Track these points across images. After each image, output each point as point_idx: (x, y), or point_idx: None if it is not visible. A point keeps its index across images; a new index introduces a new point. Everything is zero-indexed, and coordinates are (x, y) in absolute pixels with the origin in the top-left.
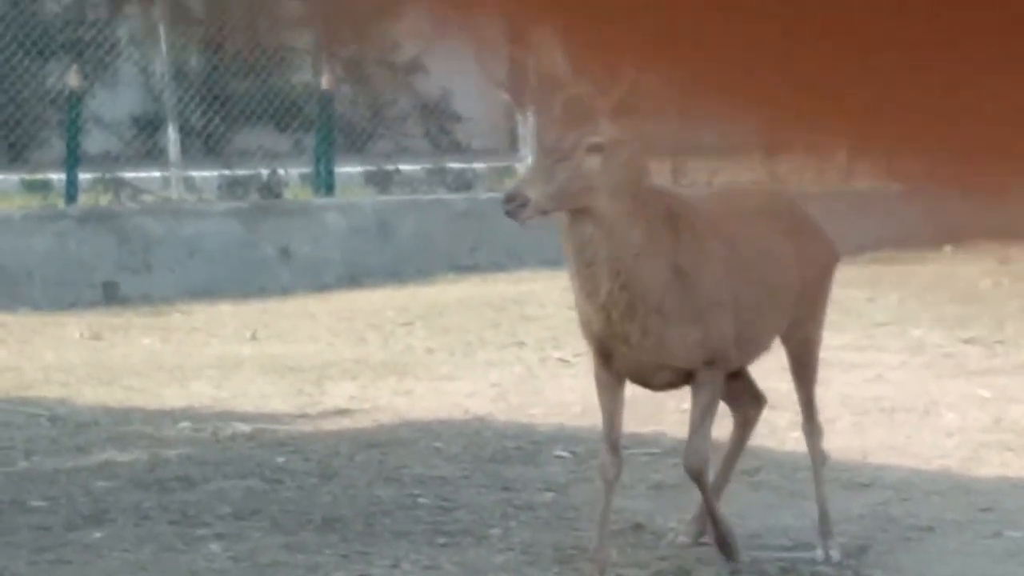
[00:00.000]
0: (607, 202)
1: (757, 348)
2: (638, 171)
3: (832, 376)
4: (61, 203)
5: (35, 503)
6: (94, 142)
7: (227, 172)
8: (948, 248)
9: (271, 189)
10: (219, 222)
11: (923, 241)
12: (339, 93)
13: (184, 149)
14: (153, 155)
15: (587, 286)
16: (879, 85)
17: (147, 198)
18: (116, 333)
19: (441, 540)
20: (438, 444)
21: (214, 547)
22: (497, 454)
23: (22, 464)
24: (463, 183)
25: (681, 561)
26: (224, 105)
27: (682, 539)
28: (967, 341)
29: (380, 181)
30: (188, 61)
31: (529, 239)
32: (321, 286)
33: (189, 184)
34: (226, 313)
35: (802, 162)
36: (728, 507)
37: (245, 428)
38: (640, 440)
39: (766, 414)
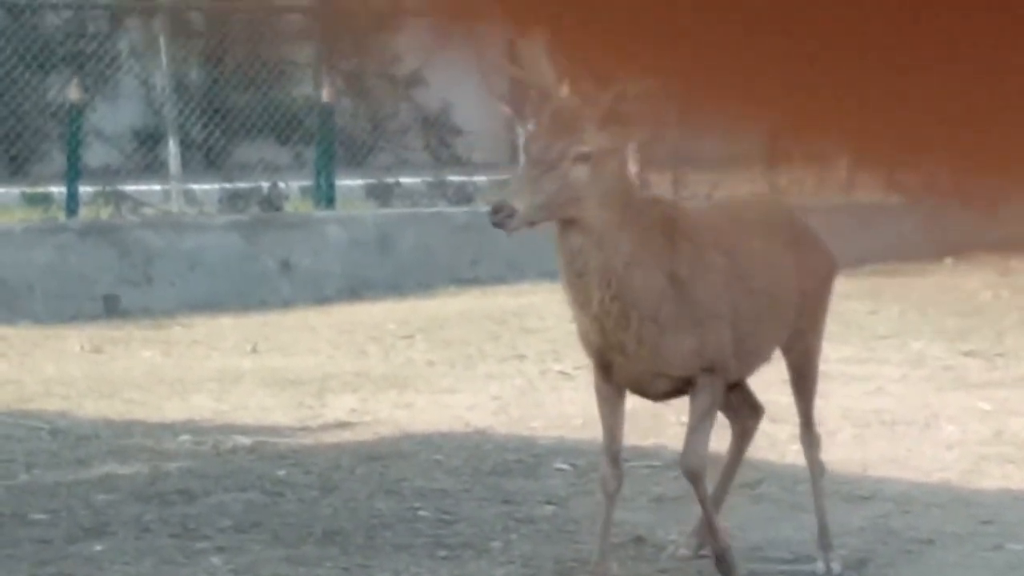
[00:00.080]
0: (596, 212)
1: (757, 359)
2: (627, 181)
3: (833, 388)
4: (62, 216)
5: (36, 516)
6: (95, 155)
7: (228, 185)
8: (949, 261)
9: (272, 202)
10: (220, 235)
11: (924, 254)
12: (340, 106)
13: (185, 162)
14: (154, 168)
15: (579, 296)
16: (878, 92)
17: (148, 211)
18: (117, 346)
19: (442, 553)
20: (439, 457)
21: (215, 560)
22: (498, 467)
23: (23, 477)
24: (464, 196)
25: (682, 574)
26: (225, 118)
27: (683, 552)
28: (968, 354)
29: (381, 194)
30: (189, 74)
31: (530, 252)
32: (322, 299)
33: (190, 197)
34: (227, 326)
35: (803, 175)
36: (729, 520)
37: (246, 441)
38: (641, 453)
39: (767, 427)
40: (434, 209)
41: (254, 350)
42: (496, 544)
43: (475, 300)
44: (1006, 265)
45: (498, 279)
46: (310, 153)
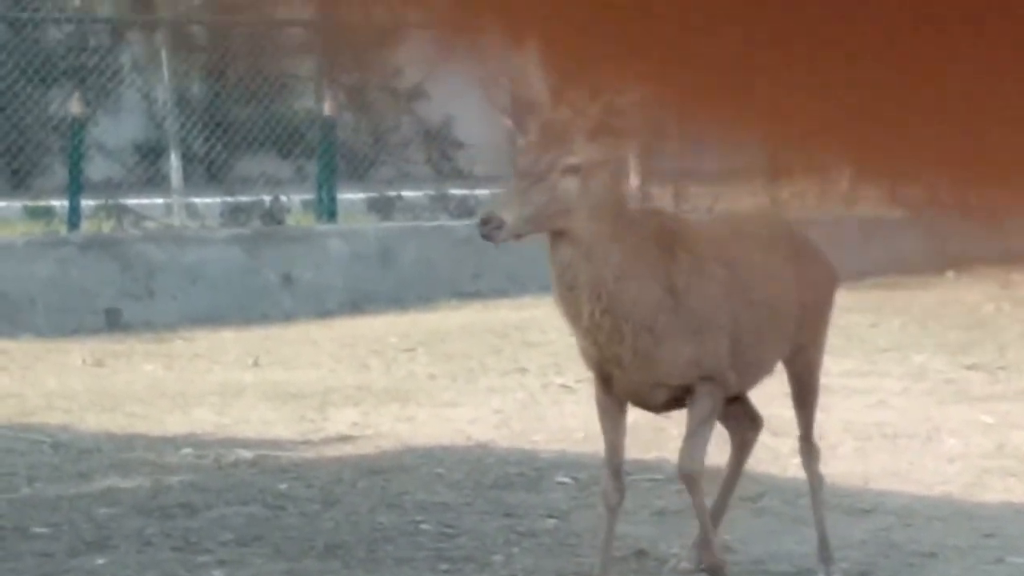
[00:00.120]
0: (586, 224)
1: (758, 372)
2: (618, 193)
3: (834, 402)
4: (63, 230)
5: (38, 529)
6: (97, 169)
7: (229, 199)
8: (950, 274)
9: (273, 216)
10: (221, 249)
11: (925, 267)
12: (341, 120)
13: (186, 176)
14: (155, 182)
15: (570, 310)
16: (878, 103)
17: (149, 225)
18: (118, 360)
19: (443, 566)
20: (440, 470)
21: (216, 574)
22: (499, 480)
23: (25, 490)
24: (465, 209)
25: None
26: (226, 132)
27: (684, 565)
28: (969, 367)
29: (382, 207)
30: (191, 88)
31: (531, 265)
32: (323, 312)
33: (191, 211)
34: (228, 340)
35: (805, 188)
36: (731, 533)
37: (247, 455)
38: (643, 466)
39: (769, 440)
40: (436, 222)
41: (256, 364)
42: (498, 558)
43: (477, 313)
44: (1008, 278)
45: (500, 292)
46: (312, 166)
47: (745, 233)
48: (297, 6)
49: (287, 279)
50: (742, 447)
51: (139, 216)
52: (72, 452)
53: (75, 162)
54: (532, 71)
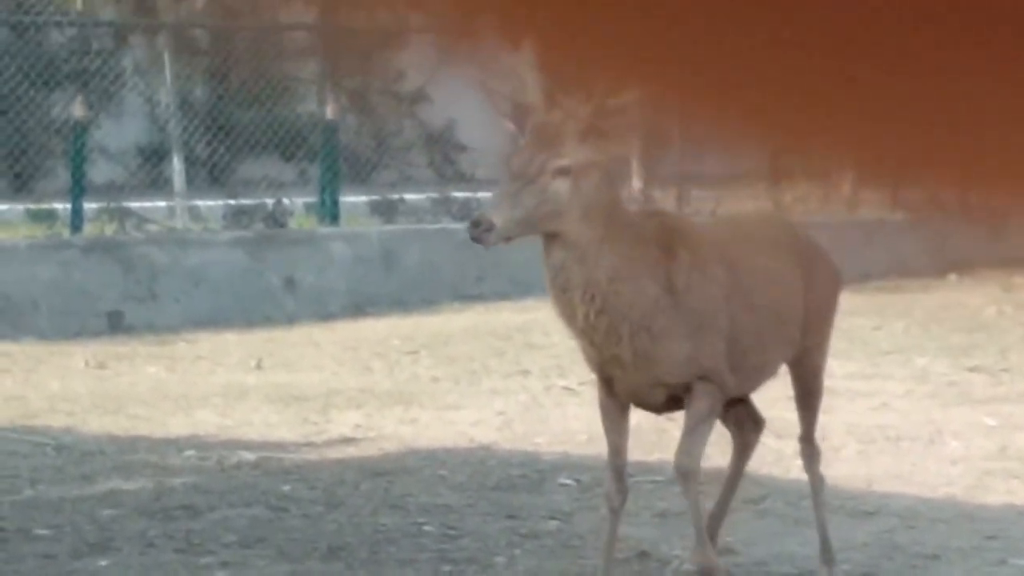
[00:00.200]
0: (577, 226)
1: (761, 375)
2: (612, 194)
3: (838, 404)
4: (66, 233)
5: (40, 531)
6: (99, 172)
7: (232, 202)
8: (953, 277)
9: (276, 219)
10: (224, 252)
11: (928, 270)
12: (344, 123)
13: (189, 179)
14: (158, 185)
15: (565, 312)
16: (881, 107)
17: (152, 228)
18: (121, 362)
19: (446, 568)
20: (443, 472)
21: (219, 575)
22: (502, 482)
23: (28, 493)
24: (468, 212)
25: None
26: (229, 135)
27: (687, 567)
28: (972, 369)
29: (385, 210)
30: (193, 91)
31: (534, 268)
32: (326, 315)
33: (194, 214)
34: (231, 342)
35: (807, 191)
36: (734, 534)
37: (250, 457)
38: (645, 468)
39: (772, 442)
40: (438, 225)
41: (258, 366)
42: (500, 559)
43: (479, 316)
44: (1010, 281)
45: (502, 295)
46: (314, 170)
47: (749, 235)
48: (300, 10)
49: (290, 282)
50: (744, 449)
51: (142, 219)
52: (75, 454)
53: (78, 165)
54: (527, 73)
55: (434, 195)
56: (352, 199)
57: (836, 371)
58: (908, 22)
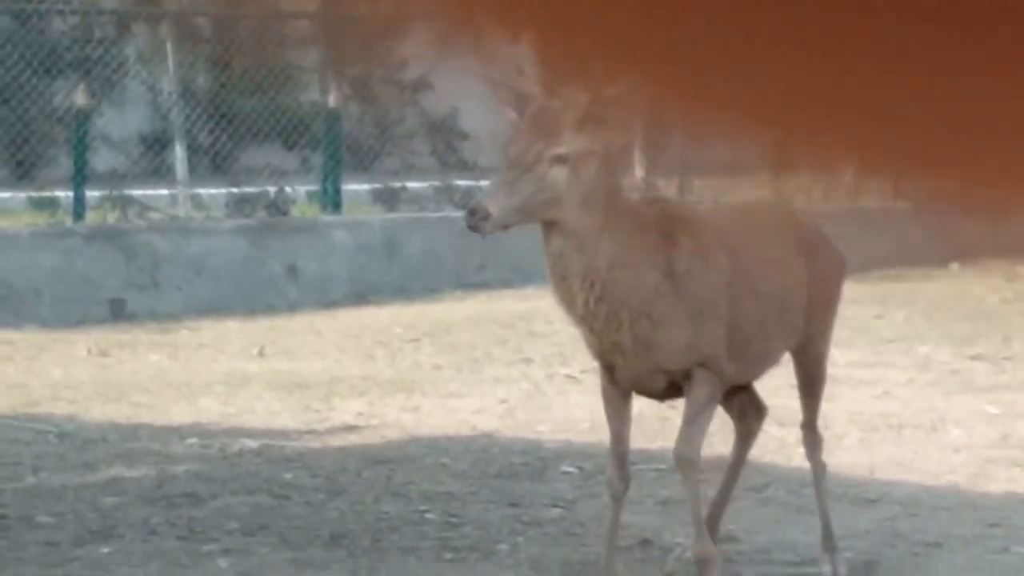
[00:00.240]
0: (576, 214)
1: (764, 363)
2: (610, 182)
3: (840, 393)
4: (68, 221)
5: (43, 519)
6: (102, 160)
7: (234, 190)
8: (955, 266)
9: (278, 207)
10: (226, 239)
11: (930, 259)
12: (346, 111)
13: (191, 167)
14: (160, 173)
15: (564, 299)
16: (883, 100)
17: (154, 216)
18: (123, 350)
19: (448, 556)
20: (445, 460)
21: (221, 563)
22: (504, 470)
23: (30, 480)
24: (470, 200)
25: None
26: (231, 123)
27: (689, 555)
28: (974, 358)
29: (387, 199)
30: (195, 79)
31: (536, 256)
32: (328, 303)
33: (196, 202)
34: (233, 330)
35: (810, 181)
36: (736, 522)
37: (252, 444)
38: (648, 456)
39: (774, 430)
40: (441, 213)
41: (261, 354)
42: (503, 547)
43: (482, 304)
44: (1012, 270)
45: (505, 283)
46: (317, 158)
47: (751, 222)
48: None
49: (292, 270)
50: (746, 436)
51: (144, 207)
52: (77, 442)
53: (80, 153)
54: (526, 65)
55: (436, 183)
56: (354, 187)
57: (838, 359)
58: (908, 22)
